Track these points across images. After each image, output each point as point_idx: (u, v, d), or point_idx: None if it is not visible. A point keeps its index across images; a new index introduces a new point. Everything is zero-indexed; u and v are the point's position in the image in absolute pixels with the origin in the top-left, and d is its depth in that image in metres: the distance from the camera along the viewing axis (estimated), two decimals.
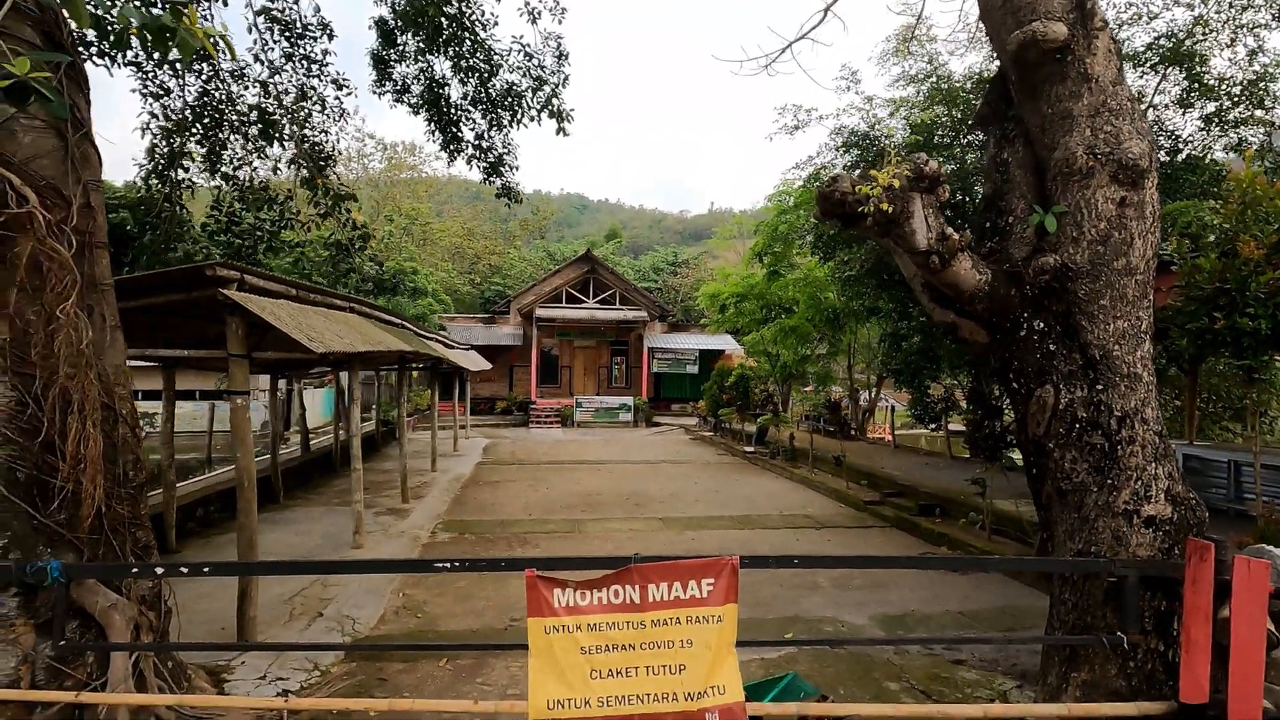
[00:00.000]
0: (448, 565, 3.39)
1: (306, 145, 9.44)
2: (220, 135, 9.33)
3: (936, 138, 13.31)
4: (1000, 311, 4.40)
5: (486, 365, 20.10)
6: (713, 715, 3.40)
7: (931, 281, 4.56)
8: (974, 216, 9.24)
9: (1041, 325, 4.24)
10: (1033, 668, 4.83)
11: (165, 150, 8.85)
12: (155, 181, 8.80)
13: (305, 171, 9.31)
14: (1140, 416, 3.94)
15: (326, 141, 9.73)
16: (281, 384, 17.17)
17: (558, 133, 11.91)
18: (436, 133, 11.25)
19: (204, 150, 9.35)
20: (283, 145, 9.70)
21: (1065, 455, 4.09)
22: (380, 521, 9.55)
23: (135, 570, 3.34)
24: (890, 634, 5.72)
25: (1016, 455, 9.27)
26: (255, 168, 9.18)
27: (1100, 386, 4.01)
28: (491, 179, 11.98)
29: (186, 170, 8.65)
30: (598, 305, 28.69)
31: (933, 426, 16.86)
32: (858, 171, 15.43)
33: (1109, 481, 3.91)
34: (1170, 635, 3.70)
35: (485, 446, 19.57)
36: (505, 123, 11.61)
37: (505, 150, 11.93)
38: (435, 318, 26.83)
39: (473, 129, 11.60)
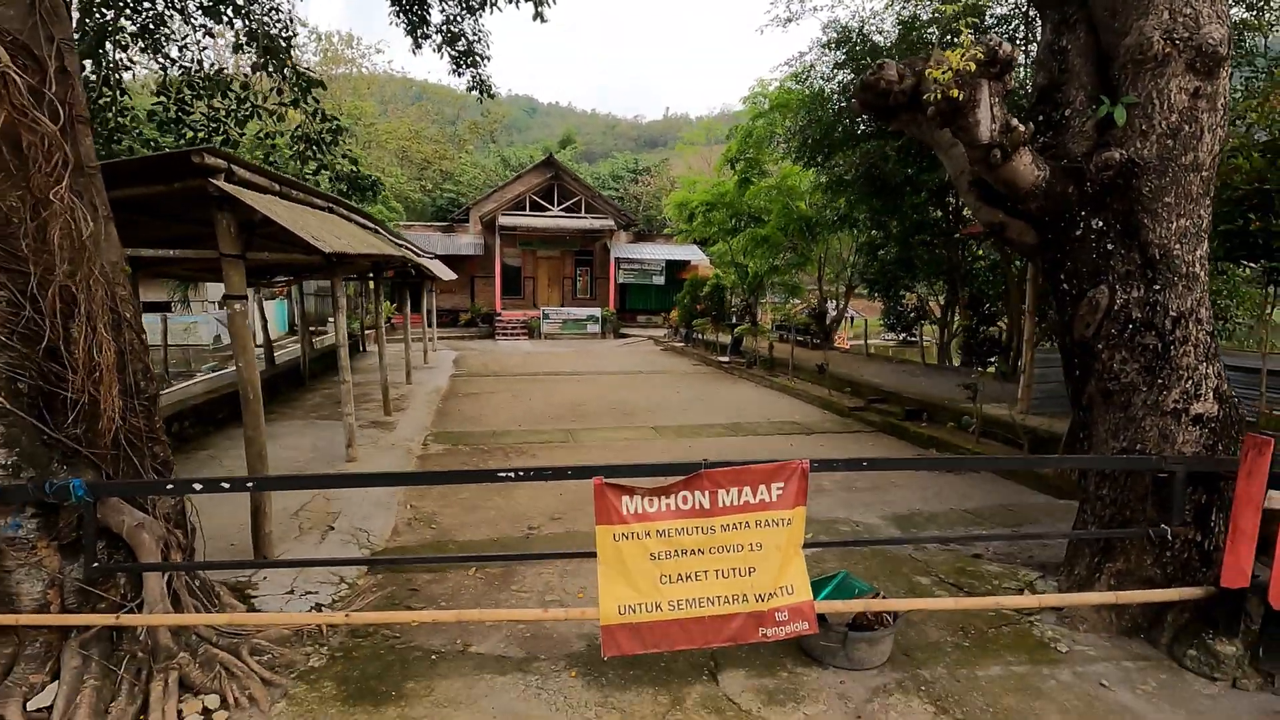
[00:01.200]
0: (512, 475, 3.23)
1: (255, 23, 8.40)
2: (156, 9, 8.21)
3: (928, 34, 12.82)
4: (1056, 210, 4.27)
5: (453, 275, 19.37)
6: (782, 614, 3.42)
7: (985, 178, 4.36)
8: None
9: (1100, 224, 4.13)
10: (1049, 559, 5.05)
11: (95, 25, 7.75)
12: (89, 63, 7.74)
13: (256, 56, 8.33)
14: (1195, 317, 3.93)
15: (278, 21, 8.67)
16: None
17: (535, 18, 10.92)
18: (400, 15, 10.20)
19: (136, 28, 8.23)
20: (230, 24, 8.63)
21: (1115, 356, 4.08)
22: (367, 434, 9.26)
23: (170, 487, 3.05)
24: (904, 532, 5.90)
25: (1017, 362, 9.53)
26: (205, 48, 8.16)
27: (1158, 287, 3.96)
28: (460, 71, 11.06)
29: (125, 48, 7.61)
30: (563, 213, 27.74)
31: (903, 335, 17.20)
32: (844, 72, 14.58)
33: (1159, 381, 3.93)
34: (1208, 526, 3.84)
35: (455, 359, 19.16)
36: (477, 5, 10.58)
37: (476, 38, 10.94)
38: (393, 225, 25.50)
39: (443, 12, 10.56)
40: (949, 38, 12.60)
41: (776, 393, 13.57)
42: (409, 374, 14.21)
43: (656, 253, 29.98)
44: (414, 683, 3.53)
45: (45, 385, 2.98)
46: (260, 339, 14.15)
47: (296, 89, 7.60)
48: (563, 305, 29.23)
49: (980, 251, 15.93)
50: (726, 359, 17.64)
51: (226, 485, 2.96)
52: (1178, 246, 3.94)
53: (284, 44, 7.66)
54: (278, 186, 5.60)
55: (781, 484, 3.41)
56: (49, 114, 2.81)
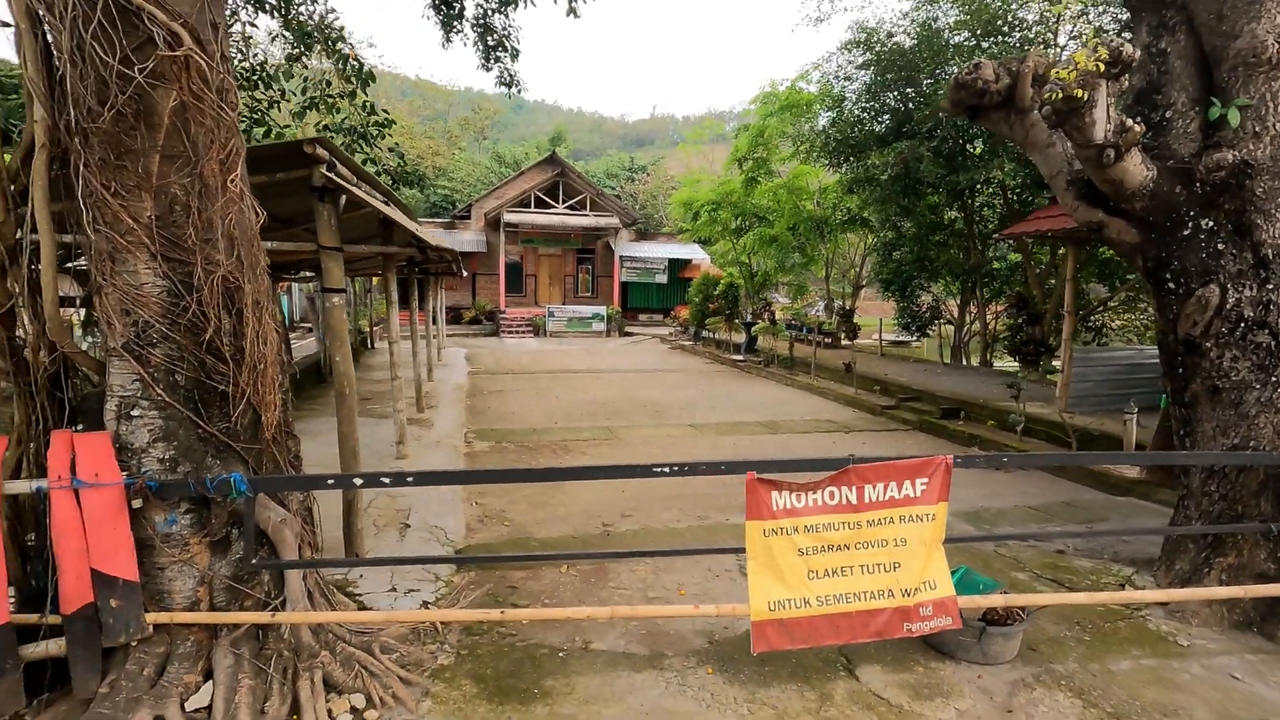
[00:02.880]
0: (667, 470, 3.20)
1: (306, 15, 8.26)
2: None
3: (954, 40, 12.94)
4: (1162, 210, 4.32)
5: (465, 272, 19.23)
6: (926, 609, 3.43)
7: (1092, 177, 4.41)
8: None
9: (1210, 224, 4.19)
10: (1135, 554, 5.12)
11: None
12: None
13: (298, 47, 8.20)
14: None
15: (329, 11, 8.53)
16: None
17: (569, 14, 10.86)
18: (435, 10, 10.12)
19: None
20: (270, 15, 8.49)
21: (1224, 354, 4.14)
22: (409, 431, 9.14)
23: (331, 482, 2.99)
24: (978, 528, 5.95)
25: (1057, 362, 9.67)
26: (248, 37, 8.00)
27: (1271, 285, 4.02)
28: (489, 65, 10.98)
29: None
30: (567, 211, 27.63)
31: (917, 335, 17.37)
32: (866, 73, 14.70)
33: (1273, 379, 4.00)
34: None
35: (466, 356, 19.03)
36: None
37: (505, 33, 10.88)
38: None
39: (478, 6, 10.49)
40: (975, 41, 12.73)
41: (801, 391, 13.63)
42: (430, 371, 14.09)
43: (659, 251, 29.98)
44: (552, 680, 3.50)
45: (203, 378, 2.91)
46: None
47: (353, 81, 7.48)
48: (564, 303, 29.13)
49: (994, 253, 16.14)
50: (741, 357, 17.68)
51: (386, 480, 2.90)
52: None
53: (339, 33, 7.54)
54: (354, 178, 5.54)
55: (926, 479, 3.43)
56: (223, 100, 2.75)
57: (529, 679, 3.51)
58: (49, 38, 2.73)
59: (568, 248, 29.97)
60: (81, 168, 2.66)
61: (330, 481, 2.96)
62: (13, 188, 2.93)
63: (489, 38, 10.81)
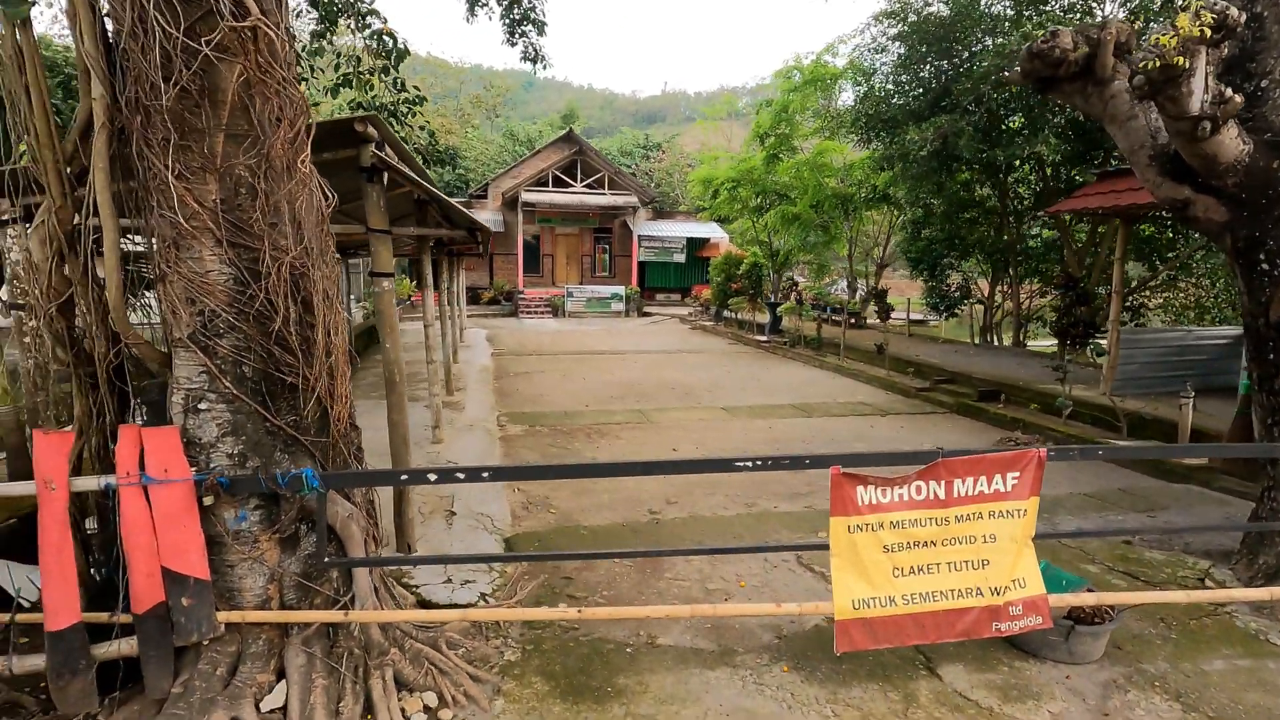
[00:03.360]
0: (749, 465, 3.05)
1: None
2: None
3: (993, 10, 12.49)
4: (1257, 186, 4.07)
5: (480, 252, 19.05)
6: (1016, 608, 3.28)
7: (1182, 151, 4.16)
8: None
9: None
10: (1210, 546, 4.94)
11: None
12: None
13: (324, 22, 7.97)
14: None
15: None
16: None
17: None
18: None
19: None
20: None
21: None
22: (441, 415, 9.07)
23: (404, 478, 2.87)
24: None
25: (1103, 342, 9.41)
26: None
27: None
28: (514, 40, 10.71)
29: None
30: (585, 190, 27.30)
31: (945, 315, 17.06)
32: (899, 45, 14.25)
33: None
34: None
35: (488, 337, 18.93)
36: None
37: (531, 5, 10.57)
38: None
39: None
40: (1015, 11, 12.27)
41: (830, 373, 13.42)
42: (455, 353, 14.00)
43: (677, 230, 29.61)
44: (624, 678, 3.40)
45: (271, 370, 2.78)
46: None
47: (385, 56, 7.27)
48: (582, 283, 28.90)
49: (1027, 230, 15.73)
50: (765, 338, 17.45)
51: (461, 476, 2.78)
52: None
53: (372, 10, 7.32)
54: (397, 158, 5.37)
55: (1017, 473, 3.27)
56: (290, 74, 2.58)
57: (600, 677, 3.40)
58: (105, 9, 2.58)
59: (585, 227, 29.66)
60: (144, 148, 2.52)
61: (404, 477, 2.84)
62: (68, 170, 2.79)
63: (514, 9, 10.51)
